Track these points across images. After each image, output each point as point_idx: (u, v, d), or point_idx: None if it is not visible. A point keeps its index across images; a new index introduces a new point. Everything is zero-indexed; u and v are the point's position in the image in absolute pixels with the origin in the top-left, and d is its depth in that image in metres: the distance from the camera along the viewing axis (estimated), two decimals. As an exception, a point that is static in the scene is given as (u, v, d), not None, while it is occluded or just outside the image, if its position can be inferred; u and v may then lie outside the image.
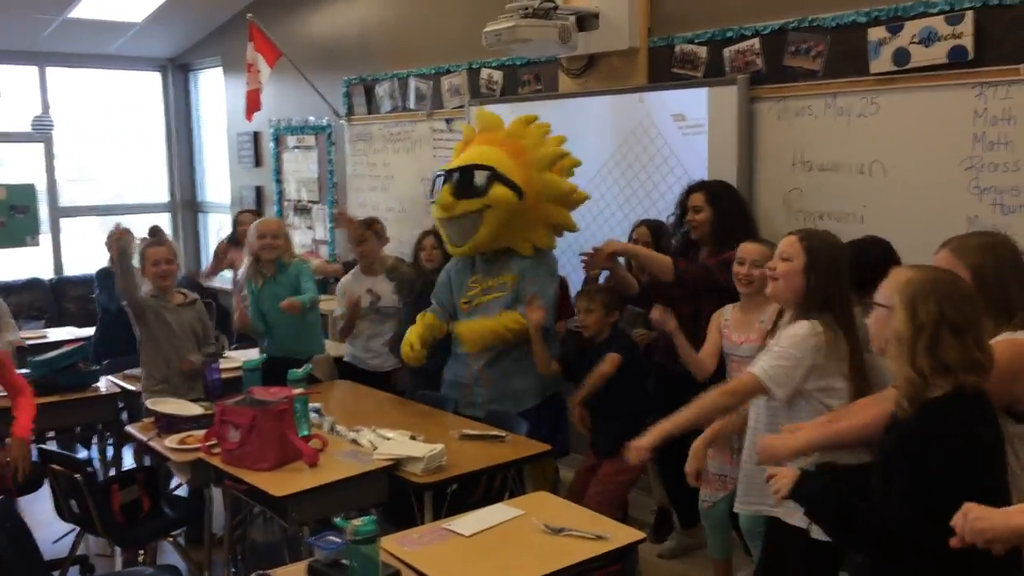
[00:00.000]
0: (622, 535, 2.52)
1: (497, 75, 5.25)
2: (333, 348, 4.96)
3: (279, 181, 7.35)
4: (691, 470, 2.92)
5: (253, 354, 4.55)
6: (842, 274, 2.62)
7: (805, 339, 2.51)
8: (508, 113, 4.31)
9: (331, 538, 2.23)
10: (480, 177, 3.79)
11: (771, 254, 3.11)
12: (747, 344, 3.16)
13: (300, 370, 3.61)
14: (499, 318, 3.81)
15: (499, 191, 3.76)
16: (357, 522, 2.07)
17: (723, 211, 3.61)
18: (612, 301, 3.71)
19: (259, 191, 7.63)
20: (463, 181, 3.81)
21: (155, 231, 4.20)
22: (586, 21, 4.46)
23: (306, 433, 3.33)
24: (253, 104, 6.19)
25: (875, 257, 2.90)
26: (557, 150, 3.92)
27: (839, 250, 2.66)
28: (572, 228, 4.04)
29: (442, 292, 4.11)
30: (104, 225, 7.99)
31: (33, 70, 7.81)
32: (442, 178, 3.93)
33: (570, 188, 3.93)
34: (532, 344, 3.75)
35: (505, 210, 3.78)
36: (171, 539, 3.62)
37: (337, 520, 2.14)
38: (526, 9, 4.22)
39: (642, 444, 2.62)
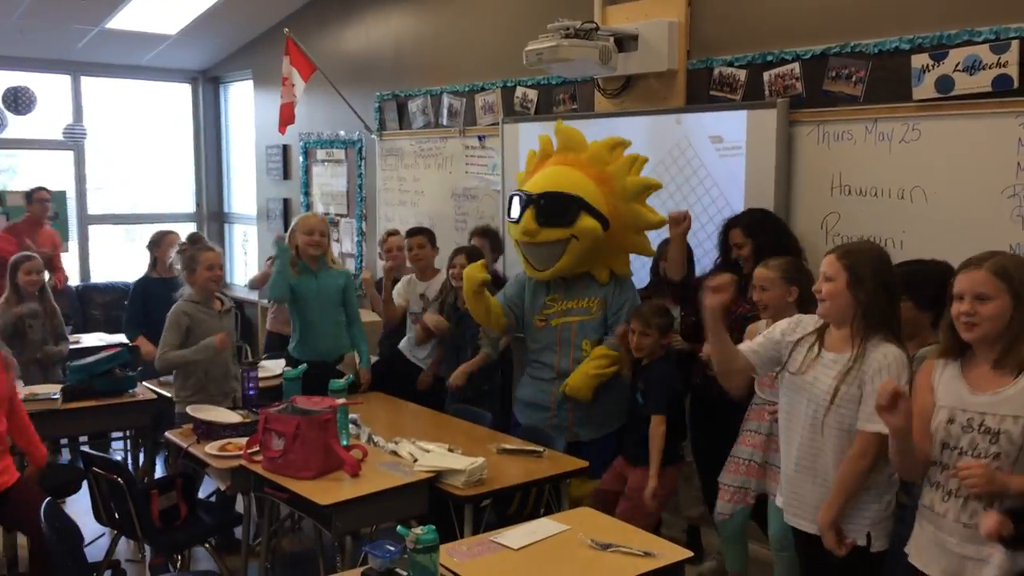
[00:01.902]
0: (670, 553, 2.53)
1: (532, 93, 5.30)
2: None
3: (307, 194, 7.40)
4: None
5: (283, 364, 4.58)
6: (890, 284, 2.57)
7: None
8: (541, 132, 4.34)
9: (387, 546, 2.25)
10: (568, 207, 3.75)
11: (776, 276, 3.17)
12: None
13: (342, 380, 3.64)
14: (594, 360, 3.82)
15: (586, 222, 3.75)
16: (418, 530, 2.08)
17: (761, 242, 3.59)
18: (667, 324, 3.69)
19: (286, 203, 7.69)
20: (550, 208, 3.77)
21: (198, 237, 4.23)
22: (625, 42, 4.51)
23: (346, 443, 3.36)
24: (287, 117, 6.25)
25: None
26: (645, 181, 3.89)
27: (881, 260, 2.61)
28: (650, 255, 4.10)
29: (514, 291, 4.08)
30: (129, 233, 8.12)
31: (66, 79, 7.91)
32: (522, 199, 3.88)
33: (659, 220, 3.92)
34: (711, 333, 2.79)
35: (591, 241, 3.79)
36: (207, 545, 3.63)
37: (399, 528, 2.16)
38: (567, 29, 4.26)
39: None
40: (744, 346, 2.77)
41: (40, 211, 6.67)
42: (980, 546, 2.21)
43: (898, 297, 2.61)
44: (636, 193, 3.89)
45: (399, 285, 4.90)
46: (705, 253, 4.19)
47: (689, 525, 4.22)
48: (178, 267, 4.17)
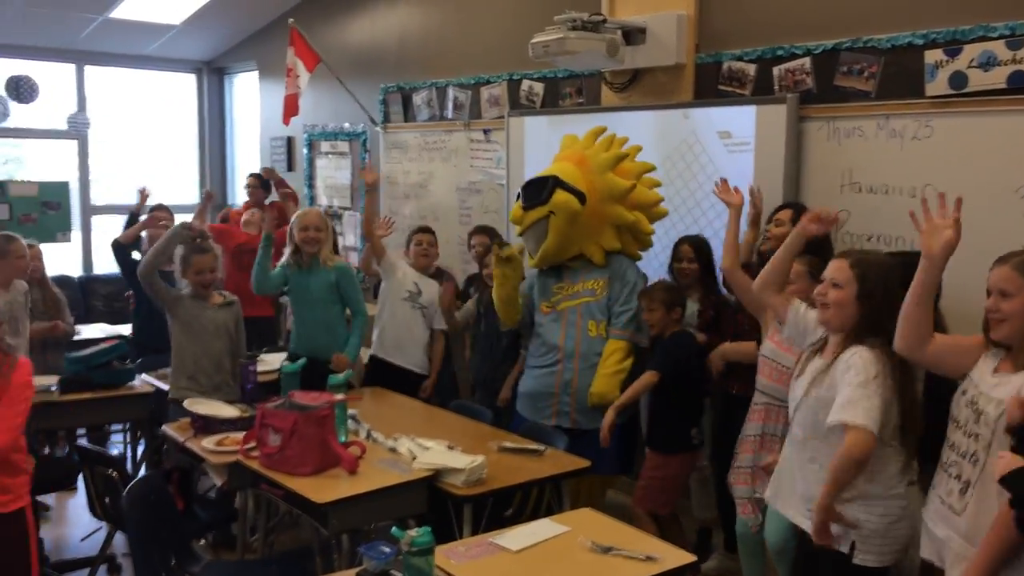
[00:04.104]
0: (672, 557, 2.47)
1: (538, 87, 5.23)
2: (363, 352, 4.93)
3: (311, 186, 7.35)
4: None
5: (283, 358, 4.53)
6: (894, 296, 2.52)
7: (878, 372, 2.42)
8: (546, 126, 4.32)
9: (382, 548, 2.19)
10: (543, 186, 3.88)
11: (804, 271, 3.11)
12: (789, 355, 3.11)
13: (341, 375, 3.58)
14: (609, 359, 3.86)
15: (560, 196, 3.85)
16: (413, 532, 2.03)
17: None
18: (672, 298, 3.73)
19: (290, 196, 7.63)
20: (528, 193, 3.93)
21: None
22: (632, 36, 4.44)
23: (344, 440, 3.31)
24: (291, 109, 6.19)
25: None
26: (616, 152, 4.00)
27: (891, 271, 2.57)
28: (647, 230, 4.06)
29: (526, 289, 4.18)
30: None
31: (71, 68, 7.87)
32: (516, 196, 4.07)
33: (628, 185, 3.94)
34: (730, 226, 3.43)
35: (568, 214, 3.85)
36: (203, 541, 3.59)
37: (393, 530, 2.11)
38: (574, 21, 4.20)
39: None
40: (797, 301, 2.84)
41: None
42: (951, 530, 2.21)
43: (898, 309, 2.55)
44: (609, 164, 3.96)
45: (397, 256, 4.75)
46: (713, 249, 4.12)
47: (701, 527, 4.16)
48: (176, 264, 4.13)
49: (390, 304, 4.61)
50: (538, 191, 3.89)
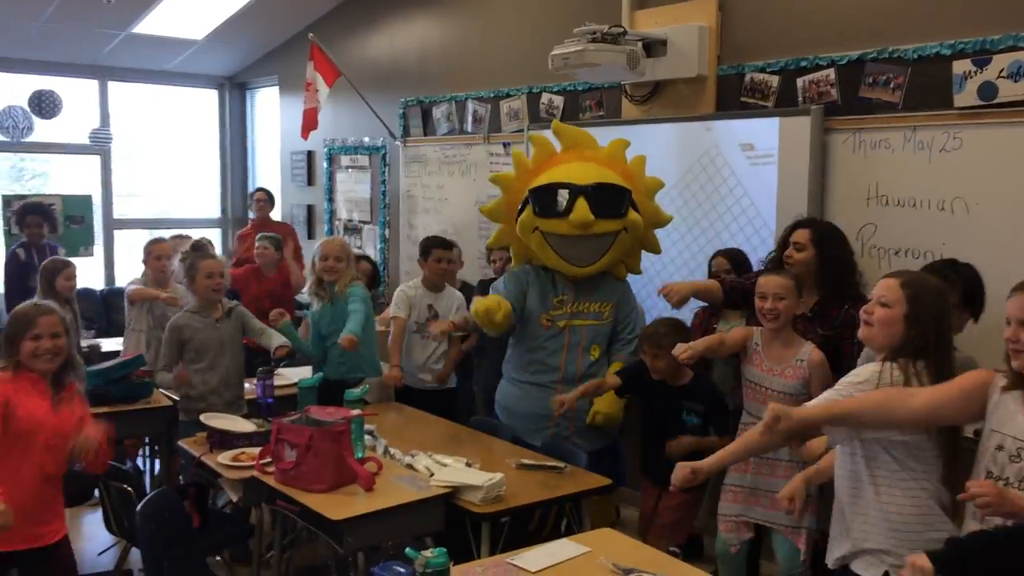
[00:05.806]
0: (694, 578, 2.40)
1: (558, 100, 5.20)
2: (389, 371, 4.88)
3: (331, 200, 7.35)
4: (784, 496, 2.69)
5: (304, 372, 4.51)
6: (943, 320, 2.41)
7: (866, 382, 2.33)
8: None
9: (396, 568, 2.14)
10: (621, 198, 3.72)
11: (793, 285, 3.10)
12: (780, 379, 3.12)
13: (357, 390, 3.55)
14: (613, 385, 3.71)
15: (634, 215, 3.76)
16: (428, 553, 1.98)
17: (828, 256, 3.34)
18: (682, 340, 3.37)
19: (310, 210, 7.64)
20: (605, 199, 3.67)
21: (200, 245, 4.14)
22: (653, 47, 4.40)
23: (361, 455, 3.26)
24: (310, 123, 6.20)
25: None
26: (660, 181, 3.95)
27: (943, 296, 2.44)
28: (658, 252, 4.07)
29: (515, 288, 3.88)
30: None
31: (94, 83, 7.93)
32: (571, 190, 3.66)
33: (669, 218, 3.97)
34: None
35: (637, 234, 3.82)
36: (219, 557, 3.55)
37: (408, 550, 2.06)
38: (594, 34, 4.17)
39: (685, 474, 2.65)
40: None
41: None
42: None
43: (949, 330, 2.45)
44: (655, 191, 3.93)
45: (403, 295, 4.61)
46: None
47: (690, 535, 4.02)
48: (181, 276, 4.11)
49: (409, 338, 4.59)
50: (614, 201, 3.68)
